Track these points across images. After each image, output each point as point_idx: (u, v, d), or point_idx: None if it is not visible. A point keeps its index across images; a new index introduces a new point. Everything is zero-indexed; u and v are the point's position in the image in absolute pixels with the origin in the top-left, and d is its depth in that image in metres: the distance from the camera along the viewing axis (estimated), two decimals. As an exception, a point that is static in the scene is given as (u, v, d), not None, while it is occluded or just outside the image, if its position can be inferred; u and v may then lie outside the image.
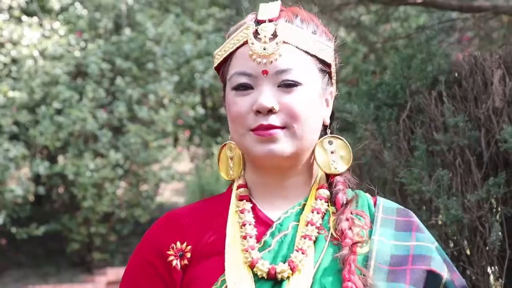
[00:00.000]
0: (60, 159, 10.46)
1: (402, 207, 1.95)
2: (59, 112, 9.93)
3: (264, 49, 1.83)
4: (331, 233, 1.84)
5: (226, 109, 1.91)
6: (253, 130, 1.83)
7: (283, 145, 1.82)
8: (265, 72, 1.82)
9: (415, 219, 1.92)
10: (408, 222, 1.90)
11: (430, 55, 3.62)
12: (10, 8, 10.22)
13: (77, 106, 9.80)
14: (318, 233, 1.83)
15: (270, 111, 1.81)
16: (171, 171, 10.67)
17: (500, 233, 3.12)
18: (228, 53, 1.90)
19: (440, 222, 3.27)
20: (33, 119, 9.87)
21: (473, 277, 3.22)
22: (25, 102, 9.75)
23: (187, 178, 11.43)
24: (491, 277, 3.27)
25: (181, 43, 11.02)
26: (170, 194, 12.80)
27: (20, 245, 10.40)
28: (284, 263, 1.80)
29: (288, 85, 1.82)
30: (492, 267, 3.25)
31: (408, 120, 3.52)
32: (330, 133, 1.94)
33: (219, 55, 1.93)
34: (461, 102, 3.41)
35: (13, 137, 9.91)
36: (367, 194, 1.95)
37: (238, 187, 1.92)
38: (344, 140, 1.91)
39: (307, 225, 1.84)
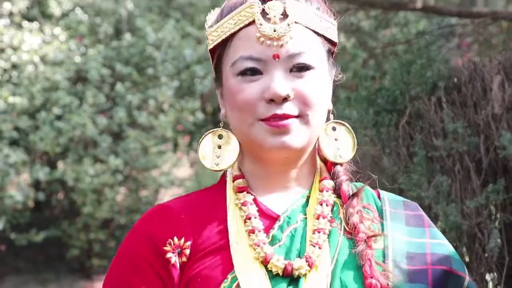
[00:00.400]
0: (60, 164, 10.45)
1: (407, 199, 1.85)
2: (59, 117, 9.93)
3: (274, 31, 1.66)
4: (343, 226, 1.73)
5: (224, 95, 1.77)
6: (264, 119, 1.68)
7: (297, 136, 1.68)
8: (276, 56, 1.67)
9: (423, 212, 1.82)
10: (418, 217, 1.80)
11: (429, 60, 3.62)
12: (11, 13, 10.22)
13: (77, 112, 9.79)
14: (330, 226, 1.72)
15: (285, 99, 1.67)
16: (170, 176, 10.66)
17: (499, 240, 3.12)
18: (228, 34, 1.72)
19: (439, 229, 3.26)
20: (33, 125, 9.86)
21: (472, 284, 3.21)
22: (25, 108, 9.74)
23: (186, 183, 11.41)
24: (490, 284, 3.26)
25: (181, 48, 11.01)
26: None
27: (20, 251, 10.38)
28: (300, 258, 1.67)
29: (301, 69, 1.68)
30: (491, 274, 3.24)
31: (407, 126, 3.52)
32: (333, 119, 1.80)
33: (215, 35, 1.74)
34: (460, 108, 3.40)
35: (13, 143, 9.90)
36: (368, 187, 1.84)
37: (235, 178, 1.78)
38: (348, 125, 1.80)
39: (318, 218, 1.71)
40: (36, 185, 10.28)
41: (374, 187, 1.85)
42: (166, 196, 12.31)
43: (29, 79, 9.82)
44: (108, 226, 10.32)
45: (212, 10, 1.81)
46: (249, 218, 1.71)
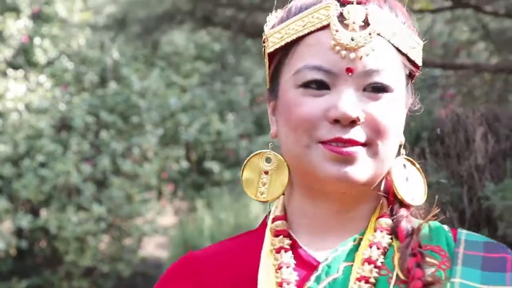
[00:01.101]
0: (43, 212, 10.40)
1: (492, 240, 1.51)
2: (43, 165, 9.90)
3: (352, 40, 1.37)
4: (396, 274, 1.39)
5: (278, 110, 1.47)
6: (324, 142, 1.38)
7: (362, 167, 1.39)
8: (350, 71, 1.38)
9: (510, 254, 1.46)
10: (500, 259, 1.44)
11: (413, 111, 3.65)
12: (-4, 61, 10.25)
13: (61, 159, 9.77)
14: (378, 273, 1.39)
15: (353, 122, 1.37)
16: (154, 224, 10.62)
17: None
18: (294, 37, 1.42)
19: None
20: (16, 172, 9.82)
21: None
22: (9, 155, 9.72)
23: (170, 232, 11.37)
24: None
25: (166, 97, 11.06)
26: (153, 248, 12.71)
27: (1, 300, 10.28)
28: None
29: (376, 90, 1.39)
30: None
31: (391, 177, 3.54)
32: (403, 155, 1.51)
33: (277, 38, 1.45)
34: (443, 159, 3.42)
35: (-4, 190, 9.86)
36: (445, 226, 1.51)
37: (274, 219, 1.48)
38: (418, 166, 1.51)
39: (363, 264, 1.40)
40: (19, 233, 10.21)
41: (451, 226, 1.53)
42: (150, 244, 12.25)
43: (13, 126, 9.81)
44: (91, 275, 10.24)
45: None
46: (280, 268, 1.42)
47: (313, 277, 1.41)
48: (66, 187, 9.89)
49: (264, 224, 1.52)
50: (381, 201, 1.48)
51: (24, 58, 10.73)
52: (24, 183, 9.63)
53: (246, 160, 1.50)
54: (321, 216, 1.46)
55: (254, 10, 5.97)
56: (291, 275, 1.41)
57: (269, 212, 1.53)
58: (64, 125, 10.47)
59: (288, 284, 1.41)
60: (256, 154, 1.50)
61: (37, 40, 10.64)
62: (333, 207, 1.45)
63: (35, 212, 10.31)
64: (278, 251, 1.44)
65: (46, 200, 9.97)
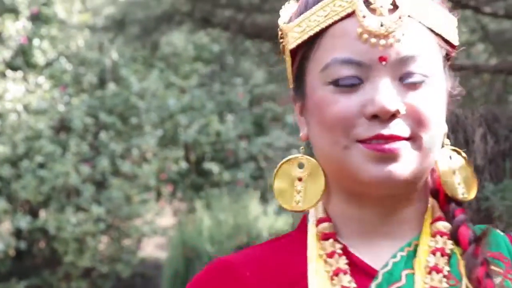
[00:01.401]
0: (42, 213, 10.40)
1: None
2: (41, 166, 9.90)
3: (382, 25, 1.24)
4: (466, 285, 1.27)
5: (308, 110, 1.32)
6: (364, 141, 1.25)
7: (406, 164, 1.25)
8: (383, 59, 1.24)
9: None
10: None
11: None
12: (-5, 62, 10.25)
13: (60, 160, 9.77)
14: (447, 283, 1.27)
15: (393, 116, 1.24)
16: (153, 225, 10.62)
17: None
18: (317, 29, 1.28)
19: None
20: (15, 173, 9.82)
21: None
22: (8, 156, 9.72)
23: (169, 232, 11.37)
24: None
25: (165, 98, 11.06)
26: (152, 249, 12.71)
27: (0, 301, 10.27)
28: None
29: (414, 78, 1.26)
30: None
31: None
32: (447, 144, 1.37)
33: (298, 32, 1.31)
34: (443, 160, 3.43)
35: (-5, 192, 9.86)
36: (498, 230, 1.37)
37: (319, 221, 1.33)
38: (464, 155, 1.36)
39: (430, 273, 1.27)
40: (18, 233, 10.21)
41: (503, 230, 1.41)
42: (149, 245, 12.25)
43: (12, 127, 9.81)
44: (90, 275, 10.24)
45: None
46: (337, 274, 1.28)
47: (373, 285, 1.28)
48: (65, 188, 9.89)
49: (302, 226, 1.37)
50: (430, 201, 1.35)
51: (23, 59, 10.73)
52: (23, 184, 9.63)
53: (276, 168, 1.35)
54: (367, 220, 1.32)
55: (253, 11, 5.97)
56: (350, 283, 1.27)
57: (305, 215, 1.38)
58: (63, 126, 10.47)
59: None
60: (287, 160, 1.34)
61: (36, 41, 10.63)
62: (379, 210, 1.31)
63: (34, 213, 10.31)
64: (330, 255, 1.30)
65: (45, 201, 9.97)
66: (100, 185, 10.28)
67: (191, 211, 12.36)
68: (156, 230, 10.64)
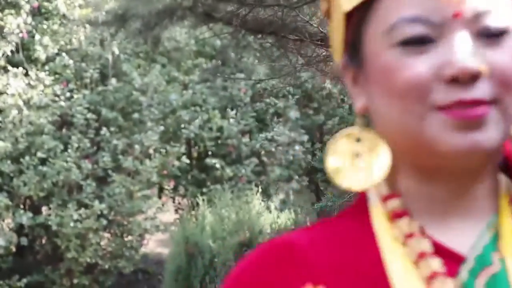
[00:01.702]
0: (44, 209, 10.38)
1: None
2: (43, 162, 9.88)
3: None
4: None
5: (370, 78, 1.16)
6: (443, 108, 1.08)
7: (492, 131, 1.08)
8: (457, 15, 1.08)
9: None
10: None
11: None
12: (-4, 57, 10.22)
13: (62, 156, 9.75)
14: None
15: (474, 77, 1.07)
16: (155, 221, 10.60)
17: None
18: None
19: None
20: (17, 169, 9.80)
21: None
22: (9, 152, 9.69)
23: (171, 228, 11.35)
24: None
25: (167, 93, 11.03)
26: (155, 245, 12.69)
27: (2, 297, 10.26)
28: None
29: (493, 33, 1.09)
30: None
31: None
32: None
33: None
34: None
35: (-4, 187, 9.84)
36: None
37: (386, 198, 1.17)
38: None
39: None
40: (19, 230, 10.19)
41: None
42: (151, 241, 12.23)
43: (13, 123, 9.78)
44: (92, 271, 10.22)
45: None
46: (422, 257, 1.10)
47: (465, 270, 1.11)
48: (66, 184, 9.87)
49: (361, 204, 1.21)
50: (499, 176, 1.19)
51: (24, 55, 10.70)
52: (24, 180, 9.61)
53: (330, 145, 1.17)
54: (438, 198, 1.15)
55: (255, 6, 5.93)
56: (441, 267, 1.09)
57: (363, 193, 1.21)
58: (64, 122, 10.44)
59: (444, 277, 1.09)
60: (344, 134, 1.17)
61: (37, 36, 10.61)
62: (452, 186, 1.15)
63: (35, 209, 10.29)
64: (410, 236, 1.12)
65: (47, 197, 9.95)
66: (102, 181, 10.26)
67: (193, 207, 12.35)
68: (158, 226, 10.63)
